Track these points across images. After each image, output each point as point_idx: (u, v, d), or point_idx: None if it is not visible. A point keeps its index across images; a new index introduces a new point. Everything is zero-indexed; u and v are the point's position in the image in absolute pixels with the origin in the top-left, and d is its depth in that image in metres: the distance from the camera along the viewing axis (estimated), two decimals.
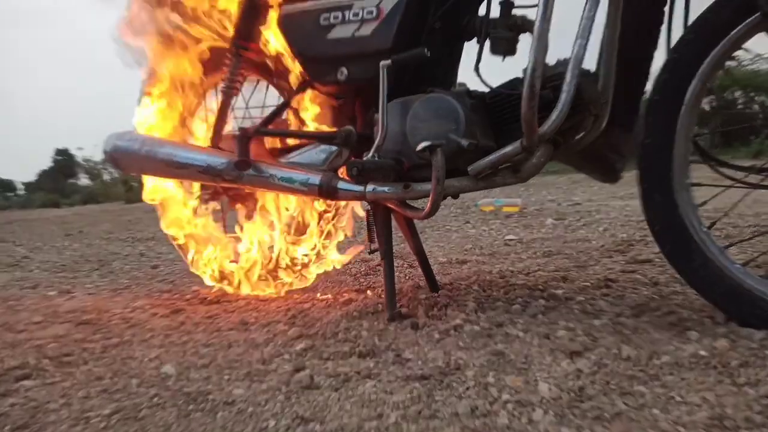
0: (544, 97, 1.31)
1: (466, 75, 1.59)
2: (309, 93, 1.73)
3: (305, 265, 1.98)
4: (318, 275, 2.02)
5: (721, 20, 1.24)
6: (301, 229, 1.98)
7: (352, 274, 2.28)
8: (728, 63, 1.32)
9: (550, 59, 1.36)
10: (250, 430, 0.97)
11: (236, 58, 1.80)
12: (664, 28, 1.39)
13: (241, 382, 1.18)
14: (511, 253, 2.49)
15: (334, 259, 2.01)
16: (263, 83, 1.93)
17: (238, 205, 1.99)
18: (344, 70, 1.57)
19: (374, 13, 1.51)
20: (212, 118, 1.89)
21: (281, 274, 2.00)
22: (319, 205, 1.91)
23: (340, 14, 1.56)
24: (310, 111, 1.75)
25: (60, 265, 2.96)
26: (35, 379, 1.26)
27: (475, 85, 1.53)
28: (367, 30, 1.52)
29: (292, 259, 1.98)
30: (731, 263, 1.27)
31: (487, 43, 1.53)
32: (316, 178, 1.57)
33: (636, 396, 0.98)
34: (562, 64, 1.36)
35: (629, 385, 1.02)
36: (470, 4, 1.54)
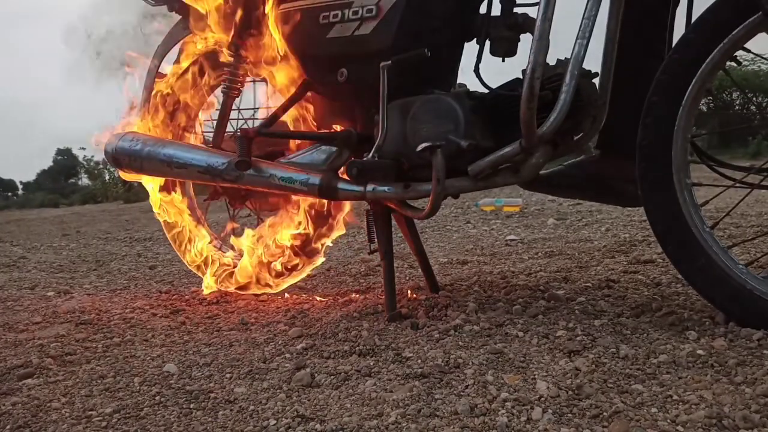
0: (543, 98, 1.31)
1: (466, 76, 1.60)
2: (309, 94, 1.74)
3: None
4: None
5: (721, 20, 1.23)
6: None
7: (352, 274, 2.28)
8: (729, 63, 1.32)
9: (551, 59, 1.36)
10: (251, 428, 0.98)
11: (236, 58, 1.81)
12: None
13: (242, 380, 1.19)
14: (513, 254, 2.49)
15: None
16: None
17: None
18: (344, 71, 1.57)
19: (374, 12, 1.50)
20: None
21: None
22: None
23: (339, 12, 1.55)
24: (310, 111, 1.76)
25: (57, 265, 2.96)
26: (38, 377, 1.27)
27: (475, 86, 1.53)
28: (366, 29, 1.51)
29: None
30: (735, 264, 1.26)
31: (488, 44, 1.53)
32: (316, 179, 1.58)
33: (634, 394, 0.99)
34: (563, 64, 1.37)
35: (627, 384, 1.03)
36: (471, 1, 1.54)
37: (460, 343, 1.29)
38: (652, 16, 1.44)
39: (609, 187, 1.58)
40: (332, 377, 1.16)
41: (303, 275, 2.00)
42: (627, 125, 1.38)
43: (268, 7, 1.67)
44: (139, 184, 2.07)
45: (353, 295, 1.89)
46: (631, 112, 1.36)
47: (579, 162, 1.59)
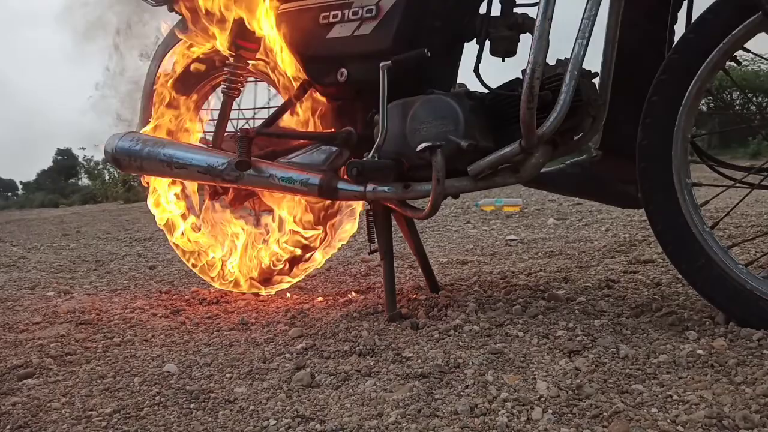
0: (543, 98, 1.32)
1: (466, 76, 1.60)
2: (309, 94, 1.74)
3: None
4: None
5: (721, 20, 1.24)
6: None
7: (352, 274, 2.28)
8: (728, 63, 1.32)
9: (551, 59, 1.36)
10: (251, 428, 0.98)
11: (235, 59, 1.81)
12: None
13: (242, 380, 1.19)
14: (513, 254, 2.49)
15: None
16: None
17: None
18: (344, 71, 1.57)
19: (374, 12, 1.50)
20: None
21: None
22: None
23: (339, 13, 1.55)
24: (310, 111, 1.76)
25: (57, 265, 2.96)
26: (38, 377, 1.27)
27: (475, 86, 1.53)
28: (366, 29, 1.51)
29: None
30: (734, 264, 1.26)
31: (488, 44, 1.53)
32: (316, 178, 1.58)
33: (634, 394, 0.99)
34: (562, 64, 1.37)
35: (627, 384, 1.03)
36: (471, 2, 1.54)
37: (460, 343, 1.29)
38: (652, 16, 1.44)
39: (609, 188, 1.58)
40: (332, 377, 1.16)
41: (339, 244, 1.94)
42: (627, 125, 1.38)
43: (268, 8, 1.67)
44: (140, 183, 2.07)
45: (353, 295, 1.89)
46: (631, 112, 1.36)
47: (580, 161, 1.60)
